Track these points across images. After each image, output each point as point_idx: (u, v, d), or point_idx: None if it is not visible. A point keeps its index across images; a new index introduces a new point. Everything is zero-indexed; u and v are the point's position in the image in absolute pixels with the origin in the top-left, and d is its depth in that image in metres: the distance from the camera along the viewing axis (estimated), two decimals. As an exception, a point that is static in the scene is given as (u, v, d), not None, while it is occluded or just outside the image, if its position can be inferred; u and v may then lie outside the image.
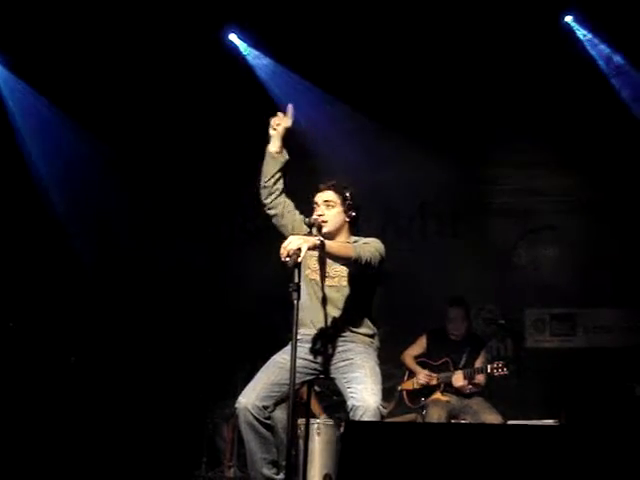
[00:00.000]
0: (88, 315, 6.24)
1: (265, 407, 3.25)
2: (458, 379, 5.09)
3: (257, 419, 3.23)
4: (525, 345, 6.63)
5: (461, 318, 5.36)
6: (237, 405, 3.27)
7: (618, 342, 6.54)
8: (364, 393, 3.17)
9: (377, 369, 3.35)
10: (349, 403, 3.20)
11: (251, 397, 3.26)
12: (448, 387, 5.20)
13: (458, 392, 5.17)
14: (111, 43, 5.85)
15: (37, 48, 5.80)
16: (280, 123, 3.44)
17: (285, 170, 3.50)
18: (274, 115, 3.44)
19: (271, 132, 3.46)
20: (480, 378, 5.13)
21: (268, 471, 3.31)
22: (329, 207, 3.45)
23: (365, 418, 3.08)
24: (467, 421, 5.02)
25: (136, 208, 6.55)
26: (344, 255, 3.23)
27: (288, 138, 3.48)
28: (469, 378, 5.09)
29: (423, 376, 5.26)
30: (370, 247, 3.33)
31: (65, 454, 5.15)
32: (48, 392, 5.62)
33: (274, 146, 3.47)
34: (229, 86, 6.30)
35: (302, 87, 6.26)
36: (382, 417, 3.16)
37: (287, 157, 3.50)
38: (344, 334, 3.41)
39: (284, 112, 3.44)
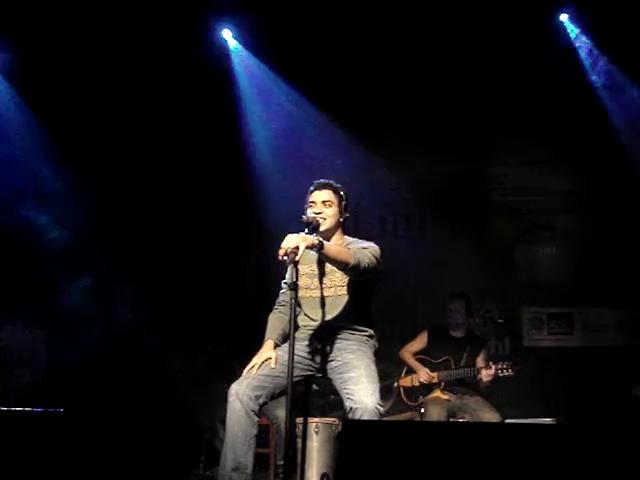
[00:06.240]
0: (86, 312, 6.22)
1: (257, 397, 3.24)
2: (489, 374, 5.09)
3: (245, 409, 3.21)
4: (523, 344, 6.65)
5: (462, 310, 5.38)
6: (229, 392, 3.27)
7: (615, 341, 6.56)
8: (361, 394, 3.16)
9: (373, 367, 3.35)
10: (346, 405, 3.19)
11: (242, 385, 3.26)
12: (449, 385, 5.22)
13: (458, 390, 5.19)
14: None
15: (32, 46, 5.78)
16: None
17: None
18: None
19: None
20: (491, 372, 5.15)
21: (235, 474, 3.20)
22: (326, 206, 3.48)
23: (364, 419, 3.07)
24: (466, 419, 5.03)
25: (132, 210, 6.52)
26: (343, 260, 3.23)
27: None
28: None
29: (424, 374, 5.27)
30: (368, 252, 3.35)
31: (65, 453, 5.15)
32: (47, 391, 5.62)
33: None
34: (228, 87, 6.29)
35: (302, 87, 6.26)
36: (381, 416, 3.15)
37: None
38: (340, 334, 3.43)
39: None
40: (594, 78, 5.91)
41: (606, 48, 5.85)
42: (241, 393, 3.23)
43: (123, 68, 5.92)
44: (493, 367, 5.07)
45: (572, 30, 5.92)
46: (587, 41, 5.91)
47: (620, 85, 5.91)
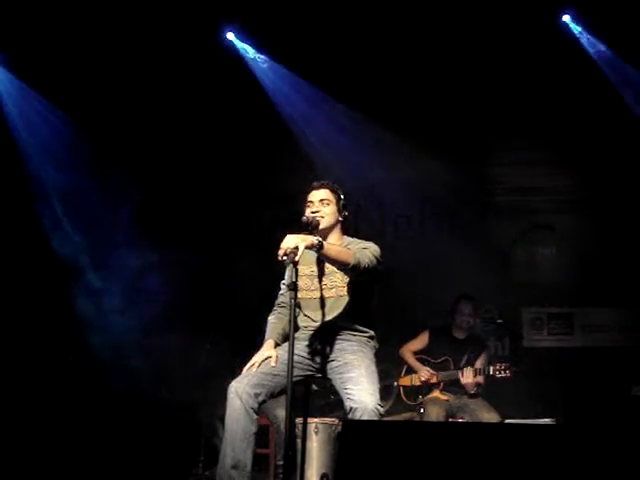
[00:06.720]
0: (85, 311, 6.22)
1: (256, 395, 3.24)
2: (468, 376, 5.09)
3: (244, 406, 3.21)
4: (522, 344, 6.64)
5: (472, 313, 5.39)
6: (229, 389, 3.27)
7: (615, 342, 6.57)
8: (361, 394, 3.16)
9: (373, 367, 3.36)
10: (347, 405, 3.19)
11: (242, 382, 3.27)
12: (447, 386, 5.22)
13: (457, 391, 5.18)
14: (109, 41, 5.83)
15: (35, 47, 5.78)
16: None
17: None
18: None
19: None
20: (480, 379, 5.16)
21: (234, 472, 3.20)
22: (324, 205, 3.49)
23: (363, 419, 3.07)
24: (465, 420, 5.03)
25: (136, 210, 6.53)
26: (342, 260, 3.23)
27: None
28: (476, 376, 5.12)
29: (425, 373, 5.26)
30: (368, 253, 3.35)
31: (63, 453, 5.16)
32: (46, 391, 5.62)
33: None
34: (227, 86, 6.28)
35: (301, 86, 6.27)
36: (380, 417, 3.16)
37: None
38: (340, 335, 3.43)
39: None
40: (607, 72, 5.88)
41: (611, 44, 5.86)
42: (241, 390, 3.23)
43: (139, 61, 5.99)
44: (471, 376, 5.09)
45: (575, 29, 5.92)
46: (592, 39, 5.90)
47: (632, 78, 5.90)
